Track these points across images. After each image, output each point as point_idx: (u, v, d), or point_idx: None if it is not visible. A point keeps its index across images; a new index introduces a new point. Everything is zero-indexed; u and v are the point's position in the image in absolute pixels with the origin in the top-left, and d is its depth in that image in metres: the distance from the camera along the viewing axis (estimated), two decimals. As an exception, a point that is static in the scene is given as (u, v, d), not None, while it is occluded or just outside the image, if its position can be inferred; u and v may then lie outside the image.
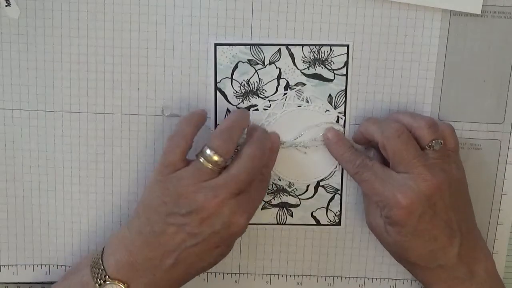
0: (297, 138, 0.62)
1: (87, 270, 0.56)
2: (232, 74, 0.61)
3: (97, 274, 0.56)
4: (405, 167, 0.56)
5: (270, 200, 0.63)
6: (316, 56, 0.61)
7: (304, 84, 0.61)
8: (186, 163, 0.56)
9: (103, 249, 0.58)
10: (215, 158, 0.54)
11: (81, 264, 0.59)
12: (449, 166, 0.57)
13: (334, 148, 0.61)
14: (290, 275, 0.66)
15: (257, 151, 0.56)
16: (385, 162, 0.58)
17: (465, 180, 0.60)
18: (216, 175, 0.55)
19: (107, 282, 0.55)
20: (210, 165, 0.55)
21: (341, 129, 0.62)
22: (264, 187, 0.60)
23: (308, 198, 0.64)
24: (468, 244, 0.58)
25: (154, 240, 0.55)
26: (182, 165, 0.56)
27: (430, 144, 0.57)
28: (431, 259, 0.58)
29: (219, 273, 0.65)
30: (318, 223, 0.64)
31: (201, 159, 0.55)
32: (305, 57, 0.61)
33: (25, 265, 0.65)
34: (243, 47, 0.60)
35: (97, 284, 0.55)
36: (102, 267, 0.56)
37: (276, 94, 0.61)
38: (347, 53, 0.61)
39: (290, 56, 0.61)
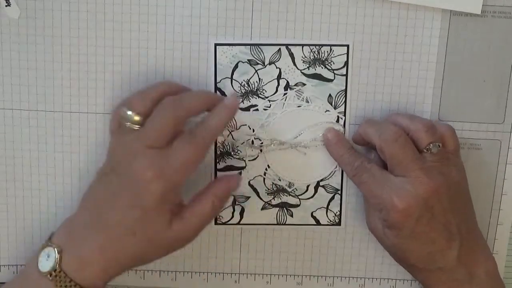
0: (297, 138, 0.62)
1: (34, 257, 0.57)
2: (232, 74, 0.61)
3: (42, 247, 0.56)
4: (403, 171, 0.56)
5: (270, 200, 0.63)
6: (316, 56, 0.61)
7: (304, 84, 0.61)
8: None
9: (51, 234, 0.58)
10: (129, 113, 0.55)
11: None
12: (448, 169, 0.57)
13: (333, 148, 0.61)
14: (290, 275, 0.66)
15: (178, 103, 0.54)
16: (385, 164, 0.58)
17: (465, 182, 0.59)
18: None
19: (45, 247, 0.55)
20: (129, 123, 0.55)
21: (341, 129, 0.62)
22: (195, 144, 0.54)
23: (308, 198, 0.64)
24: (468, 246, 0.58)
25: (86, 202, 0.57)
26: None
27: (427, 147, 0.57)
28: (429, 262, 0.58)
29: (219, 273, 0.65)
30: (318, 223, 0.64)
31: (121, 120, 0.55)
32: (305, 57, 0.61)
33: (25, 265, 0.65)
34: (243, 47, 0.60)
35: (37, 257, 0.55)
36: (49, 240, 0.56)
37: (276, 94, 0.61)
38: (347, 53, 0.61)
39: (290, 56, 0.61)
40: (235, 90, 0.61)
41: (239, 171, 0.63)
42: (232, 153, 0.62)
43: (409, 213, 0.55)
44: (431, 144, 0.57)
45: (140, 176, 0.53)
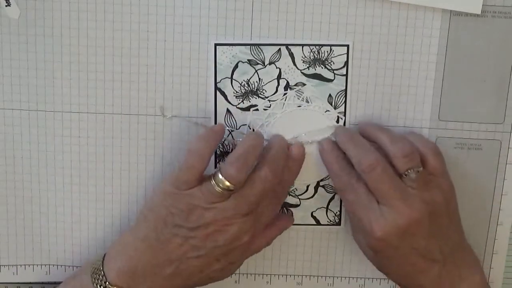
0: (297, 138, 0.62)
1: (87, 276, 0.57)
2: (232, 74, 0.61)
3: (97, 280, 0.56)
4: (382, 200, 0.56)
5: (270, 200, 0.63)
6: (316, 56, 0.61)
7: (304, 84, 0.61)
8: (200, 181, 0.56)
9: (104, 255, 0.58)
10: (227, 184, 0.55)
11: (81, 270, 0.60)
12: (429, 194, 0.56)
13: (325, 157, 0.61)
14: (290, 275, 0.66)
15: (268, 174, 0.56)
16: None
17: (451, 202, 0.59)
18: (227, 197, 0.56)
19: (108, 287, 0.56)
20: (221, 190, 0.55)
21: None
22: (277, 204, 0.60)
23: (308, 198, 0.64)
24: (452, 264, 0.58)
25: (157, 247, 0.56)
26: (196, 183, 0.56)
27: (405, 173, 0.56)
28: (409, 280, 0.59)
29: (219, 273, 0.65)
30: (318, 223, 0.64)
31: (213, 182, 0.55)
32: (305, 57, 0.61)
33: (25, 265, 0.65)
34: (243, 47, 0.60)
35: None
36: (102, 273, 0.57)
37: (276, 94, 0.61)
38: (347, 53, 0.61)
39: (290, 56, 0.61)
40: (235, 90, 0.61)
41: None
42: (232, 153, 0.62)
43: (387, 242, 0.56)
44: (409, 170, 0.56)
45: (236, 241, 0.57)
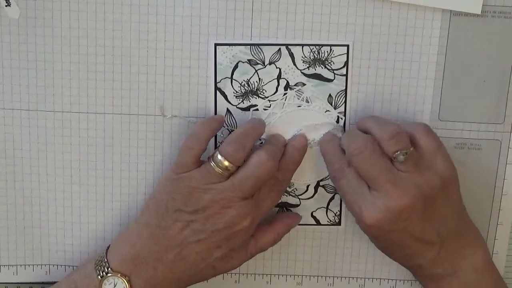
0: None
1: (91, 265, 0.58)
2: (232, 74, 0.61)
3: (100, 266, 0.57)
4: (373, 185, 0.55)
5: (270, 200, 0.63)
6: (316, 56, 0.61)
7: (304, 84, 0.61)
8: (199, 164, 0.57)
9: (109, 246, 0.59)
10: (225, 163, 0.56)
11: (87, 260, 0.60)
12: (422, 177, 0.55)
13: (322, 147, 0.61)
14: (290, 275, 0.66)
15: (265, 159, 0.56)
16: None
17: (452, 184, 0.57)
18: (225, 179, 0.56)
19: (109, 275, 0.56)
20: (220, 170, 0.56)
21: (340, 132, 0.61)
22: (278, 191, 0.60)
23: (308, 198, 0.64)
24: (452, 244, 0.58)
25: (159, 233, 0.57)
26: (194, 166, 0.57)
27: (393, 156, 0.55)
28: (407, 261, 0.59)
29: (219, 273, 0.65)
30: (318, 223, 0.64)
31: (212, 163, 0.56)
32: (305, 57, 0.61)
33: (25, 265, 0.65)
34: (243, 47, 0.60)
35: (99, 276, 0.57)
36: (106, 259, 0.57)
37: (276, 94, 0.61)
38: (347, 53, 0.61)
39: (290, 56, 0.61)
40: (235, 90, 0.61)
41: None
42: (232, 153, 0.62)
43: (378, 227, 0.56)
44: (397, 153, 0.55)
45: (236, 225, 0.56)
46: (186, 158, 0.57)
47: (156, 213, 0.58)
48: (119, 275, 0.56)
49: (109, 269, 0.57)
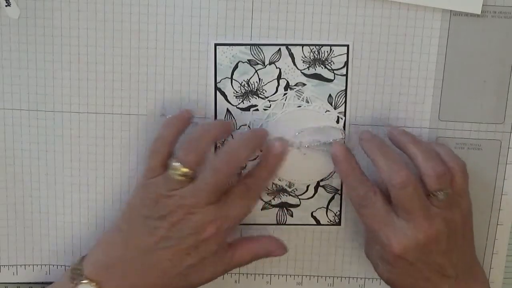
0: (297, 138, 0.62)
1: (67, 273, 0.58)
2: (232, 74, 0.61)
3: (75, 274, 0.57)
4: (406, 215, 0.55)
5: (270, 201, 0.63)
6: (316, 56, 0.61)
7: (304, 84, 0.61)
8: (166, 169, 0.56)
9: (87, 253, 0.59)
10: (182, 169, 0.55)
11: (67, 270, 0.60)
12: (451, 213, 0.56)
13: (340, 167, 0.59)
14: (290, 275, 0.66)
15: (220, 165, 0.55)
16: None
17: (469, 221, 0.59)
18: (187, 184, 0.56)
19: (82, 282, 0.56)
20: (178, 176, 0.55)
21: (342, 133, 0.61)
22: (249, 198, 0.58)
23: (308, 198, 0.64)
24: (463, 279, 0.58)
25: (129, 239, 0.57)
26: (162, 170, 0.57)
27: (435, 193, 0.55)
28: None
29: (219, 273, 0.65)
30: (318, 223, 0.64)
31: (170, 170, 0.56)
32: (305, 57, 0.61)
33: (25, 265, 0.65)
34: (243, 47, 0.60)
35: (71, 284, 0.56)
36: (81, 267, 0.57)
37: (276, 94, 0.61)
38: (347, 53, 0.61)
39: (290, 56, 0.61)
40: (235, 90, 0.61)
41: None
42: (232, 153, 0.62)
43: (405, 257, 0.56)
44: (439, 192, 0.55)
45: (200, 231, 0.56)
46: (153, 163, 0.57)
47: (128, 219, 0.57)
48: (91, 282, 0.56)
49: (83, 276, 0.56)
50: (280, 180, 0.63)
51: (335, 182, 0.63)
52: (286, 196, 0.63)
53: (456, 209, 0.57)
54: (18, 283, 0.65)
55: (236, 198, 0.57)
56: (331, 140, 0.61)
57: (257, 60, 0.61)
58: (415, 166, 0.56)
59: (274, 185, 0.63)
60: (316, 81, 0.61)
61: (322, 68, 0.61)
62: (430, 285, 0.57)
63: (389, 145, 0.58)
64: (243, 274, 0.66)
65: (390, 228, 0.56)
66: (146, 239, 0.56)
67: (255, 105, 0.62)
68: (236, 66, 0.61)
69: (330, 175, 0.63)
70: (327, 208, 0.64)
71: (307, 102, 0.61)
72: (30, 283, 0.65)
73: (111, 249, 0.57)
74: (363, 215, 0.58)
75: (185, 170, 0.55)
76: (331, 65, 0.61)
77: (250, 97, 0.61)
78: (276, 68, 0.61)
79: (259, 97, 0.61)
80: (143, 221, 0.56)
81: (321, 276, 0.66)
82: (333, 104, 0.62)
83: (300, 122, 0.62)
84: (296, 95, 0.61)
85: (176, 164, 0.55)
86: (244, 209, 0.58)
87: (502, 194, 0.64)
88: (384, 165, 0.56)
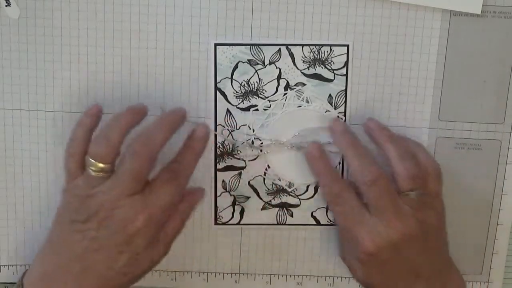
0: (297, 138, 0.62)
1: None
2: (232, 74, 0.61)
3: None
4: (377, 212, 0.56)
5: (270, 201, 0.63)
6: (316, 56, 0.61)
7: (304, 84, 0.61)
8: (83, 170, 0.56)
9: (25, 271, 0.58)
10: (99, 165, 0.54)
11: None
12: (424, 214, 0.57)
13: (313, 165, 0.60)
14: (290, 275, 0.66)
15: (138, 148, 0.53)
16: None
17: (442, 224, 0.59)
18: (107, 178, 0.54)
19: None
20: (96, 172, 0.54)
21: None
22: (175, 185, 0.56)
23: (308, 198, 0.64)
24: (438, 280, 0.58)
25: (61, 247, 0.55)
26: (80, 172, 0.56)
27: (407, 193, 0.56)
28: None
29: (219, 273, 0.65)
30: (318, 223, 0.64)
31: (87, 168, 0.55)
32: (305, 57, 0.61)
33: (25, 265, 0.65)
34: (243, 47, 0.60)
35: None
36: (21, 282, 0.56)
37: (276, 94, 0.61)
38: (347, 53, 0.61)
39: (290, 56, 0.61)
40: (235, 90, 0.61)
41: (239, 171, 0.63)
42: (232, 153, 0.62)
43: (377, 255, 0.56)
44: (411, 192, 0.56)
45: (129, 224, 0.54)
46: (69, 165, 0.56)
47: (57, 228, 0.56)
48: None
49: None
50: (280, 180, 0.63)
51: (335, 182, 0.63)
52: (286, 196, 0.63)
53: (429, 211, 0.57)
54: (18, 283, 0.65)
55: (162, 185, 0.55)
56: (331, 140, 0.61)
57: (257, 60, 0.61)
58: (389, 164, 0.57)
59: (274, 185, 0.63)
60: (316, 81, 0.61)
61: (322, 68, 0.61)
62: (404, 284, 0.57)
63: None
64: (243, 274, 0.66)
65: (363, 226, 0.56)
66: (77, 244, 0.54)
67: (255, 105, 0.62)
68: (236, 66, 0.61)
69: (330, 175, 0.63)
70: (327, 208, 0.64)
71: (307, 102, 0.61)
72: (30, 283, 0.65)
73: (46, 260, 0.56)
74: (337, 213, 0.59)
75: (101, 165, 0.54)
76: (331, 65, 0.61)
77: (250, 97, 0.61)
78: (276, 68, 0.61)
79: (259, 97, 0.61)
80: (71, 226, 0.55)
81: (321, 276, 0.66)
82: (333, 104, 0.62)
83: (300, 122, 0.62)
84: (296, 95, 0.61)
85: (91, 161, 0.54)
86: (171, 196, 0.55)
87: (502, 194, 0.63)
88: (355, 162, 0.57)
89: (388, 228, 0.55)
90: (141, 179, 0.54)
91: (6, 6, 0.60)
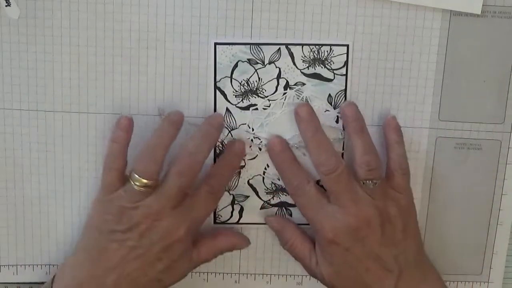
0: (296, 137, 0.62)
1: None
2: (232, 73, 0.61)
3: None
4: (336, 199, 0.57)
5: (269, 200, 0.63)
6: (316, 56, 0.61)
7: (304, 84, 0.61)
8: (124, 182, 0.58)
9: (54, 276, 0.59)
10: (143, 181, 0.56)
11: None
12: (383, 204, 0.58)
13: (275, 160, 0.61)
14: (290, 275, 0.65)
15: (182, 168, 0.57)
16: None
17: (409, 218, 0.60)
18: (149, 194, 0.56)
19: None
20: (140, 188, 0.56)
21: (341, 132, 0.61)
22: (213, 198, 0.60)
23: (308, 198, 0.64)
24: (410, 277, 0.58)
25: (97, 257, 0.57)
26: (120, 184, 0.58)
27: (364, 182, 0.57)
28: None
29: (219, 273, 0.65)
30: (318, 223, 0.64)
31: (132, 182, 0.56)
32: (305, 56, 0.61)
33: (25, 265, 0.65)
34: (243, 46, 0.60)
35: None
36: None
37: (275, 93, 0.61)
38: (347, 53, 0.61)
39: (290, 56, 0.61)
40: (235, 89, 0.61)
41: (239, 170, 0.63)
42: (232, 153, 0.62)
43: (338, 242, 0.57)
44: (367, 181, 0.57)
45: (171, 234, 0.57)
46: (109, 179, 0.58)
47: (91, 238, 0.58)
48: None
49: None
50: (279, 179, 0.63)
51: (335, 182, 0.63)
52: (286, 195, 0.63)
53: (390, 201, 0.58)
54: (18, 283, 0.65)
55: (201, 199, 0.59)
56: (331, 140, 0.61)
57: (256, 60, 0.61)
58: (352, 154, 0.58)
59: (273, 185, 0.63)
60: (315, 81, 0.61)
61: (321, 67, 0.61)
62: (372, 278, 0.58)
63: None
64: (243, 274, 0.65)
65: (322, 214, 0.58)
66: (115, 253, 0.56)
67: (255, 104, 0.62)
68: (236, 65, 0.61)
69: (330, 175, 0.63)
70: (327, 208, 0.64)
71: (307, 101, 0.61)
72: (30, 283, 0.65)
73: (78, 271, 0.57)
74: (299, 205, 0.60)
75: (146, 181, 0.56)
76: (330, 64, 0.61)
77: (249, 96, 0.61)
78: (276, 67, 0.61)
79: (258, 96, 0.61)
80: (109, 235, 0.57)
81: (321, 276, 0.66)
82: (332, 103, 0.62)
83: (300, 121, 0.61)
84: (296, 94, 0.61)
85: (136, 176, 0.56)
86: (210, 209, 0.61)
87: (502, 194, 0.63)
88: (316, 152, 0.58)
89: (346, 214, 0.57)
90: (184, 194, 0.58)
91: (6, 6, 0.60)
